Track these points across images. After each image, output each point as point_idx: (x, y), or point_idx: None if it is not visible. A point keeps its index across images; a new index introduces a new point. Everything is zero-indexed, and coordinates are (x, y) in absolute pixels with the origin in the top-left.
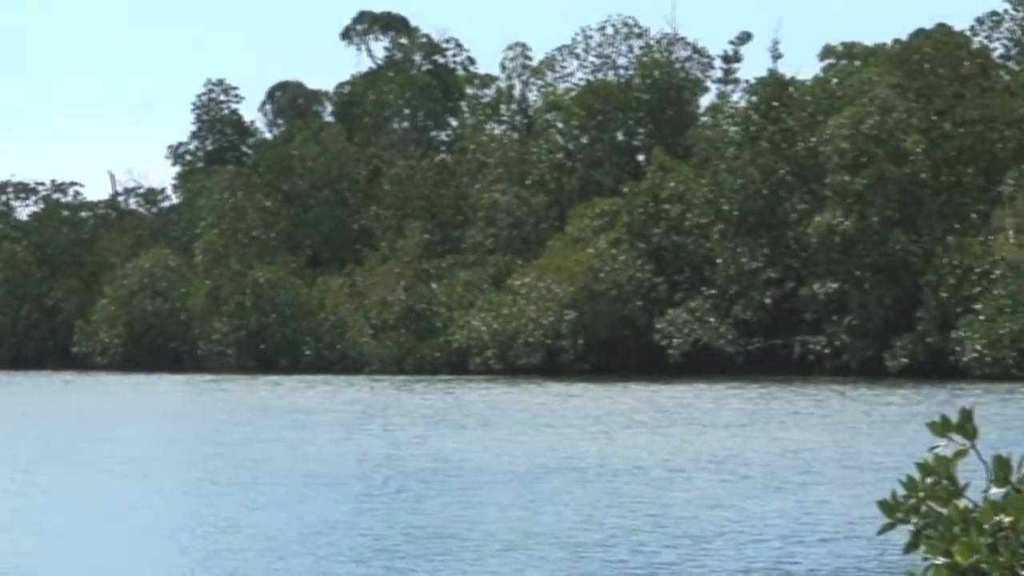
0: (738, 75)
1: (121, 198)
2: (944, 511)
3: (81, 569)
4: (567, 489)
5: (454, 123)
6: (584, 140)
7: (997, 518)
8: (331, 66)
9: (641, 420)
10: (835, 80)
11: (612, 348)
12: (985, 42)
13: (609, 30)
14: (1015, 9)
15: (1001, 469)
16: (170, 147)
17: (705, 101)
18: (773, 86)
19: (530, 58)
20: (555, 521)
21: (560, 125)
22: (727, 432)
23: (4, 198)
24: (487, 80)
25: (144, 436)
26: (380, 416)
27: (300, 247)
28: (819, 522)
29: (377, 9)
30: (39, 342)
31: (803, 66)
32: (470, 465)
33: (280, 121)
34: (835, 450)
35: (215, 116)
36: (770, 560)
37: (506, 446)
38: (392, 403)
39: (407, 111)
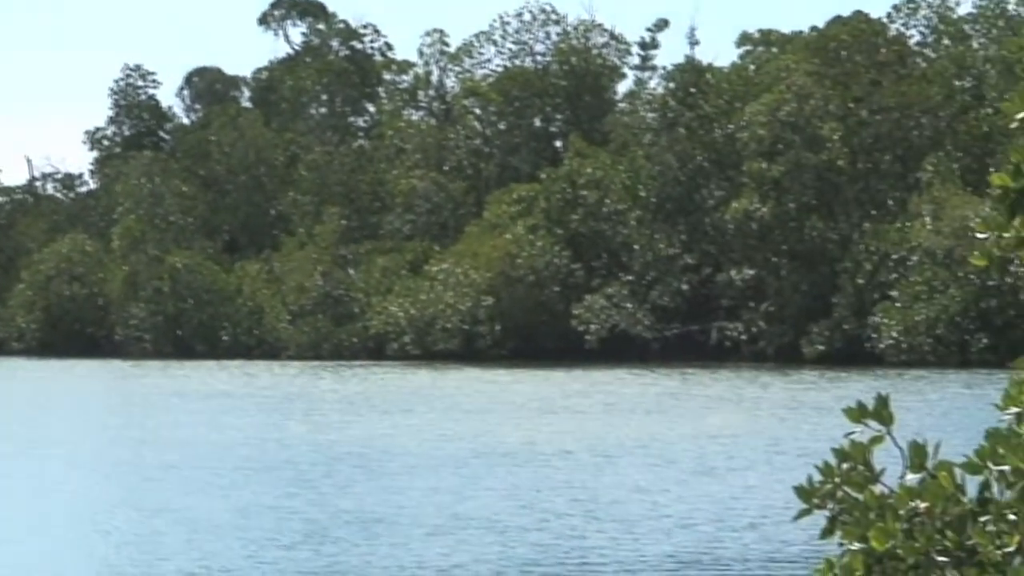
0: (655, 62)
1: (38, 183)
2: (860, 497)
3: (5, 552)
4: (494, 474)
5: (372, 109)
6: (501, 126)
7: (912, 504)
8: (248, 52)
9: (565, 405)
10: (752, 67)
11: (529, 334)
12: (902, 29)
13: (527, 16)
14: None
15: (917, 455)
16: (87, 132)
17: (622, 88)
18: (690, 73)
19: (448, 44)
20: (483, 505)
21: (477, 111)
22: (652, 417)
23: None
24: (404, 66)
25: (68, 421)
26: (304, 401)
27: (217, 232)
28: (746, 507)
29: None
30: None
31: (720, 53)
32: (397, 450)
33: (197, 106)
34: (760, 436)
35: (132, 101)
36: (698, 544)
37: (432, 431)
38: (314, 388)
39: (324, 97)
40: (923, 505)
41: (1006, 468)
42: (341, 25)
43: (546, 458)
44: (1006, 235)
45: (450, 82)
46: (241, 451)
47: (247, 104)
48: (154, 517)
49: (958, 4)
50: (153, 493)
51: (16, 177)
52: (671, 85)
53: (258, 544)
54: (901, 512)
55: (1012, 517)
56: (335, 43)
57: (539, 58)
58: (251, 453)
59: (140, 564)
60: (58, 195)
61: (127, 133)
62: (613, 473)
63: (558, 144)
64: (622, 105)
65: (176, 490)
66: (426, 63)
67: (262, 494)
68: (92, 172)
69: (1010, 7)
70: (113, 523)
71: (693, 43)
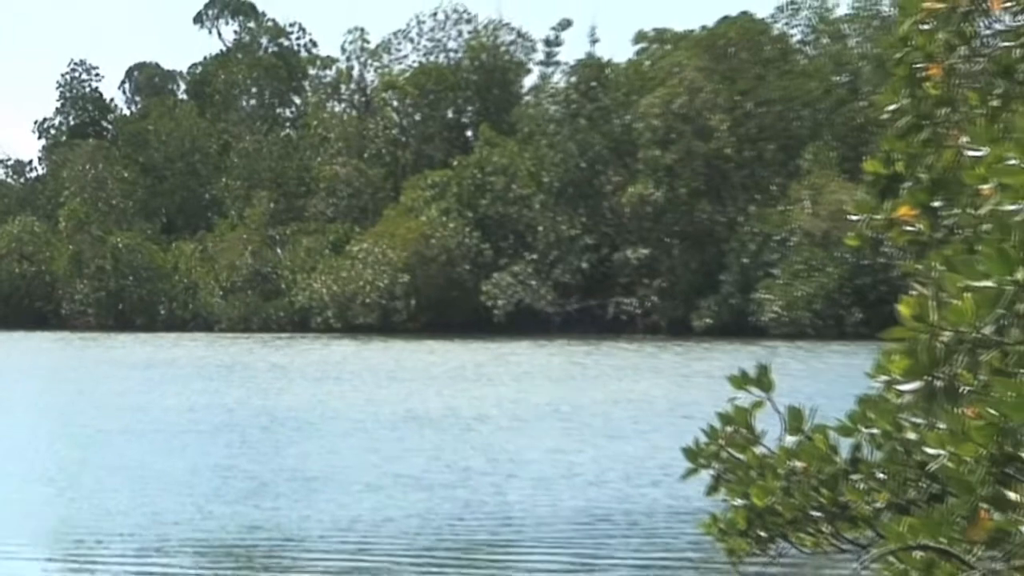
0: (559, 58)
1: None
2: (742, 457)
3: None
4: (420, 436)
5: (297, 101)
6: (417, 117)
7: (790, 463)
8: (185, 48)
9: (483, 373)
10: (648, 63)
11: (441, 308)
12: (785, 28)
13: (440, 16)
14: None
15: (794, 419)
16: (36, 122)
17: (528, 82)
18: (591, 68)
19: (368, 41)
20: (411, 465)
21: (395, 103)
22: (562, 384)
23: None
24: (328, 62)
25: (23, 389)
26: (243, 370)
27: (156, 215)
28: (651, 466)
29: None
30: None
31: (618, 50)
32: (330, 414)
33: (138, 99)
34: (662, 400)
35: (78, 93)
36: (610, 500)
37: (361, 397)
38: (251, 358)
39: (254, 90)
40: (800, 465)
41: (876, 431)
42: (270, 24)
43: (467, 422)
44: (877, 217)
45: (370, 76)
46: (188, 415)
47: (183, 96)
48: (109, 476)
49: (836, 5)
50: (107, 454)
51: None
52: (573, 79)
53: (205, 499)
54: (780, 471)
55: (881, 476)
56: (264, 40)
57: (452, 55)
58: (197, 417)
59: (96, 518)
60: (9, 180)
61: (72, 123)
62: (530, 435)
63: (469, 134)
64: (528, 98)
65: (129, 451)
66: (348, 59)
67: (209, 454)
68: (40, 159)
69: (884, 8)
70: (70, 480)
71: (593, 41)
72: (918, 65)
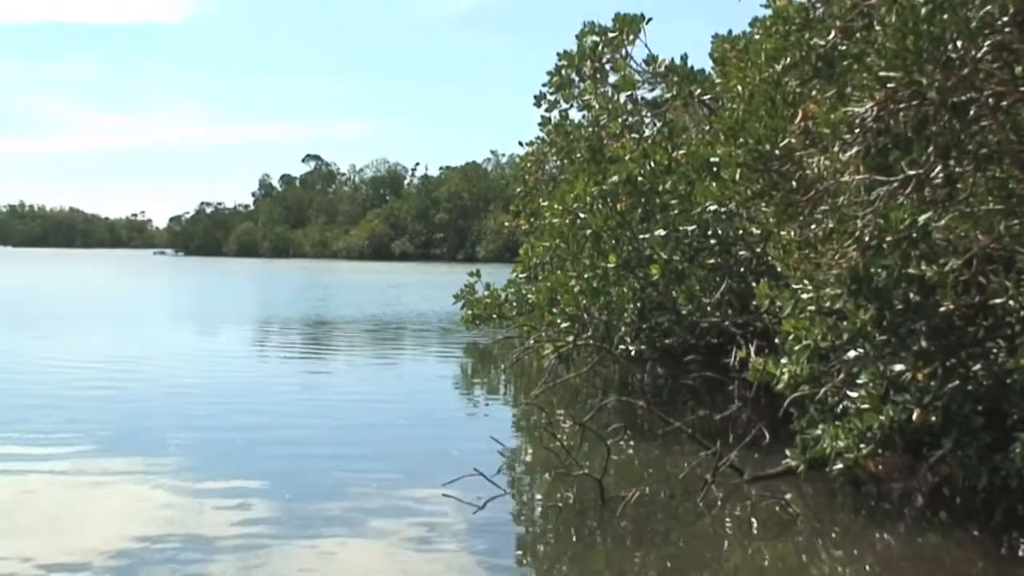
0: (417, 173)
1: (237, 207)
2: (472, 297)
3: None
4: (375, 289)
5: (332, 187)
6: (370, 192)
7: (493, 298)
8: (297, 169)
9: (398, 271)
10: (443, 176)
11: (380, 252)
12: (487, 167)
13: (376, 160)
14: (495, 155)
15: (489, 291)
16: (251, 192)
17: (407, 182)
18: (427, 179)
19: (356, 167)
20: (363, 299)
21: (363, 188)
22: (425, 274)
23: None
24: (340, 175)
25: (214, 276)
26: (324, 270)
27: (286, 223)
28: (444, 303)
29: (311, 151)
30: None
31: (434, 172)
32: (347, 281)
33: (287, 193)
34: (455, 281)
35: (264, 183)
36: (432, 307)
37: (358, 277)
38: (324, 268)
39: (318, 184)
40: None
41: (513, 277)
42: (323, 160)
43: (390, 287)
44: (515, 224)
45: (356, 179)
46: (287, 283)
47: (298, 186)
48: (258, 301)
49: (505, 159)
50: (258, 290)
51: (228, 203)
52: (420, 182)
53: (293, 303)
54: (486, 302)
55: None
56: (322, 167)
57: (378, 172)
58: (291, 284)
59: (256, 311)
60: (240, 210)
61: (261, 193)
62: (420, 292)
63: (388, 198)
64: (406, 187)
65: (267, 287)
66: (349, 175)
67: (294, 293)
68: (252, 205)
69: (515, 160)
70: (237, 300)
71: (426, 168)
72: (527, 177)
